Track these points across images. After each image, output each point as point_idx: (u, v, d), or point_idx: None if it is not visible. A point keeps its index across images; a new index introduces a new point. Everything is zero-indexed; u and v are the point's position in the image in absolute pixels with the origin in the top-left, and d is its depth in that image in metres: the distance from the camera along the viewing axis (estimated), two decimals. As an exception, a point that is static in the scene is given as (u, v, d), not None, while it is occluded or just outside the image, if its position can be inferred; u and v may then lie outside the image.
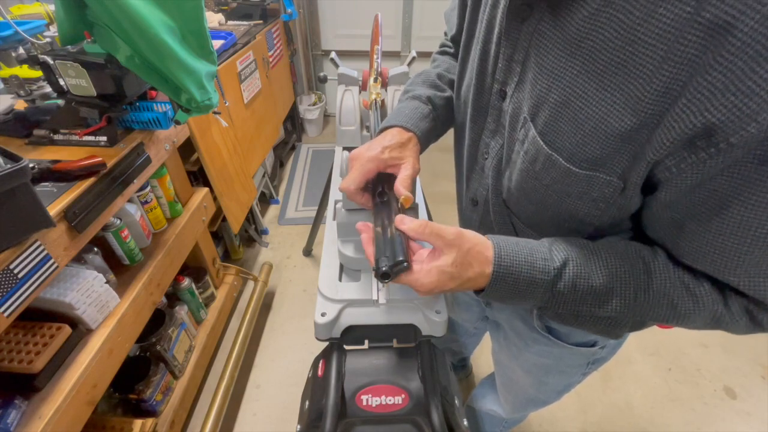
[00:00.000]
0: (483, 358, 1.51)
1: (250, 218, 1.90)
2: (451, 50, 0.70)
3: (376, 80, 0.78)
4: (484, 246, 0.42)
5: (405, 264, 0.41)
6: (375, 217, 0.49)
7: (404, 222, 0.44)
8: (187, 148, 1.26)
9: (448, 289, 0.42)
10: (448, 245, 0.41)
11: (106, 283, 0.86)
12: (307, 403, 0.56)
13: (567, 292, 0.41)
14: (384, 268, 0.40)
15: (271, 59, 2.03)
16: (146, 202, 1.04)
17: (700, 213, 0.36)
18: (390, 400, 0.51)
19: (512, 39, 0.43)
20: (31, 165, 0.62)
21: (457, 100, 0.61)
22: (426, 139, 0.57)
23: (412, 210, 0.47)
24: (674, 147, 0.33)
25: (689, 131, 0.31)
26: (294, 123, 2.76)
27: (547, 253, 0.42)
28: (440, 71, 0.66)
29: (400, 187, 0.49)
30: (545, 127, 0.41)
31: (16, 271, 0.62)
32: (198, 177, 1.43)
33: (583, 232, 0.47)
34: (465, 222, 0.66)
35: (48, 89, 0.94)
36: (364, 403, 0.51)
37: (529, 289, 0.41)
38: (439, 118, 0.59)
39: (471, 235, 0.43)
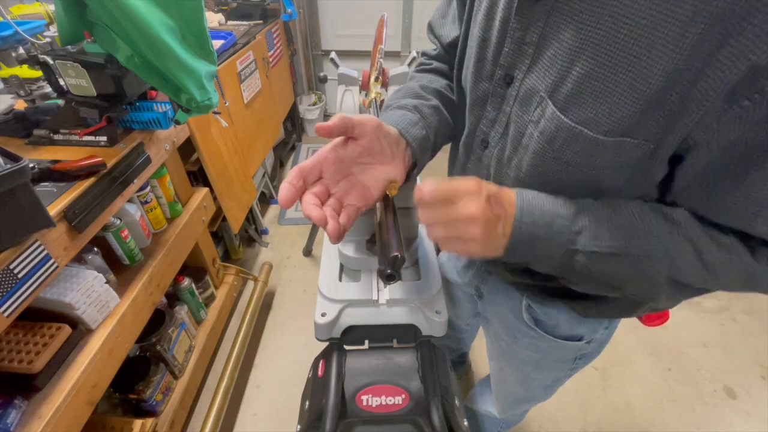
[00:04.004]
0: (483, 357, 1.51)
1: (250, 218, 1.90)
2: (431, 66, 0.66)
3: (377, 79, 0.79)
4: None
5: (398, 257, 0.39)
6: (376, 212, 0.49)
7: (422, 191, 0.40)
8: (187, 148, 1.26)
9: (491, 215, 0.39)
10: (470, 191, 0.40)
11: (106, 283, 0.86)
12: (307, 403, 0.56)
13: (591, 225, 0.41)
14: (389, 271, 0.40)
15: (271, 59, 2.03)
16: (146, 202, 1.04)
17: (735, 168, 0.35)
18: (390, 401, 0.51)
19: (523, 21, 0.42)
20: (31, 165, 0.62)
21: (457, 94, 0.60)
22: (421, 147, 0.50)
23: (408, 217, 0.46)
24: (717, 99, 0.32)
25: (734, 77, 0.31)
26: (294, 123, 2.76)
27: (564, 199, 0.43)
28: (422, 83, 0.61)
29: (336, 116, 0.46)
30: (567, 102, 0.40)
31: (16, 271, 0.62)
32: (198, 177, 1.43)
33: None
34: None
35: (48, 89, 0.94)
36: (365, 403, 0.51)
37: (554, 221, 0.41)
38: (430, 127, 0.53)
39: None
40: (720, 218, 0.39)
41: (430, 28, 0.66)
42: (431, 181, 0.41)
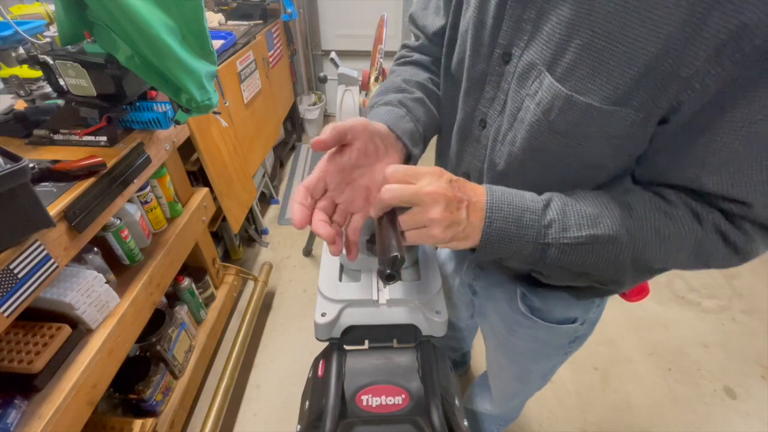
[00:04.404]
0: (480, 358, 1.51)
1: (250, 218, 1.90)
2: (411, 58, 0.66)
3: (377, 79, 0.79)
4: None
5: (398, 257, 0.40)
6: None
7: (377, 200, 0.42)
8: (187, 148, 1.26)
9: (452, 195, 0.41)
10: (431, 172, 0.42)
11: (106, 283, 0.86)
12: (307, 403, 0.56)
13: (559, 219, 0.43)
14: (388, 271, 0.40)
15: (271, 59, 2.03)
16: (146, 202, 1.04)
17: (701, 123, 0.37)
18: (390, 401, 0.51)
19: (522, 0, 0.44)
20: (31, 165, 0.62)
21: (445, 83, 0.61)
22: (411, 140, 0.52)
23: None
24: (704, 61, 0.34)
25: (722, 36, 0.32)
26: (294, 123, 2.76)
27: (533, 194, 0.45)
28: (405, 77, 0.62)
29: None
30: (565, 74, 0.41)
31: (16, 271, 0.62)
32: (198, 177, 1.43)
33: (590, 184, 0.48)
34: None
35: (48, 89, 0.94)
36: (365, 403, 0.51)
37: (523, 216, 0.43)
38: (418, 121, 0.56)
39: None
40: (680, 176, 0.42)
41: (412, 20, 0.66)
42: (394, 165, 0.43)
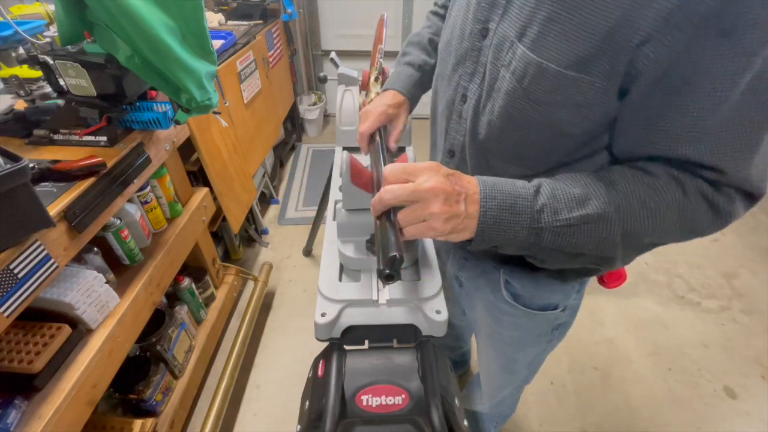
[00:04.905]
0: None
1: (250, 218, 1.90)
2: (442, 12, 0.77)
3: (377, 79, 0.79)
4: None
5: (397, 257, 0.40)
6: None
7: (379, 198, 0.43)
8: (187, 148, 1.26)
9: (451, 189, 0.42)
10: (429, 168, 0.43)
11: (106, 283, 0.86)
12: (307, 403, 0.56)
13: (550, 203, 0.44)
14: (387, 271, 0.40)
15: (271, 59, 2.03)
16: (146, 202, 1.04)
17: (666, 97, 0.40)
18: (390, 401, 0.51)
19: None
20: (31, 165, 0.62)
21: (437, 61, 0.66)
22: (414, 101, 0.72)
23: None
24: (655, 28, 0.36)
25: (670, 5, 0.35)
26: (294, 123, 2.76)
27: (524, 181, 0.47)
28: (431, 36, 0.76)
29: (391, 139, 0.64)
30: (533, 43, 0.44)
31: (16, 271, 0.62)
32: (198, 177, 1.43)
33: (562, 152, 0.50)
34: None
35: (48, 89, 0.94)
36: (365, 403, 0.51)
37: (516, 203, 0.44)
38: (424, 84, 0.73)
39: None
40: (655, 148, 0.44)
41: None
42: (391, 165, 0.44)
